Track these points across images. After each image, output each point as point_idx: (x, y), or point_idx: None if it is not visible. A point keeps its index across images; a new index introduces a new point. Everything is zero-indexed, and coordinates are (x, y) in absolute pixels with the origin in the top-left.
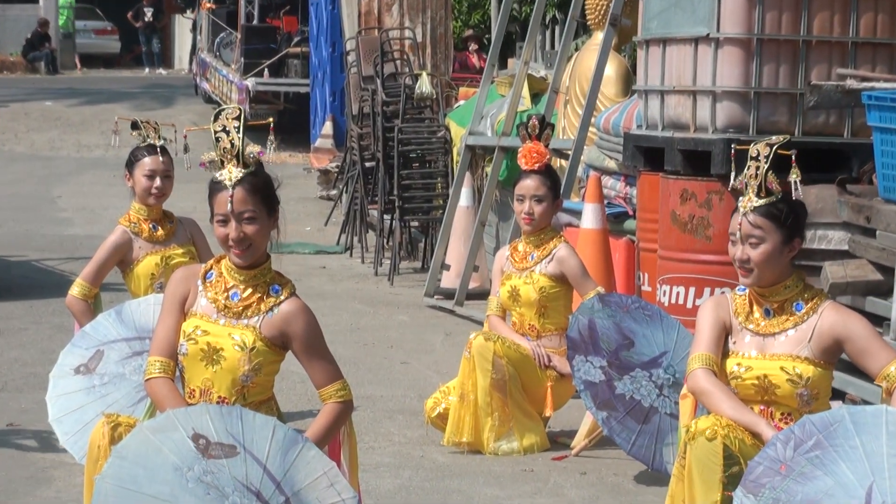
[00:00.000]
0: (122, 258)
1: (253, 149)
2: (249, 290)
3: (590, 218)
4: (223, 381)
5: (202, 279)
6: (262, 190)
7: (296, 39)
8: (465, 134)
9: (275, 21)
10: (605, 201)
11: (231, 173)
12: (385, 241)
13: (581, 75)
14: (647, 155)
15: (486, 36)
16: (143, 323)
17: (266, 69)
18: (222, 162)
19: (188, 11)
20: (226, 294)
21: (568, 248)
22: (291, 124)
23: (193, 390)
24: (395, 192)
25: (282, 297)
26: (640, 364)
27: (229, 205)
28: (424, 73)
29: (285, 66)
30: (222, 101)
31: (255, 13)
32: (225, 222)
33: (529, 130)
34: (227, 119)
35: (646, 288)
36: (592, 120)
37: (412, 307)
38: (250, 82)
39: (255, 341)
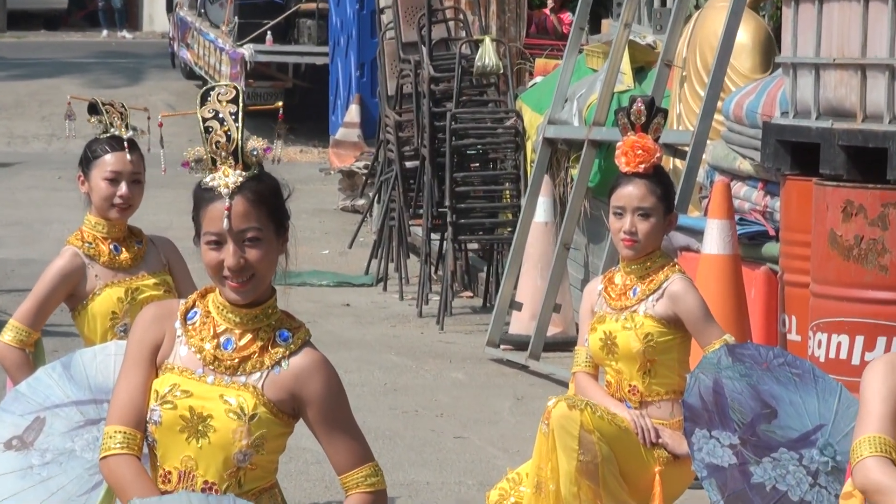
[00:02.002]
0: (73, 291)
1: (257, 144)
2: (248, 337)
3: (715, 240)
4: (211, 461)
5: (182, 320)
6: (268, 200)
7: None
8: (544, 123)
9: None
10: (737, 217)
11: (227, 177)
12: (433, 269)
13: (703, 43)
14: (795, 153)
15: None
16: (99, 381)
17: (268, 33)
18: (214, 162)
19: None
20: (215, 341)
21: (684, 280)
22: (303, 108)
23: (169, 473)
24: (447, 203)
25: (292, 347)
26: (785, 442)
27: (226, 221)
28: (488, 39)
29: (294, 28)
30: (209, 76)
31: None
32: (219, 244)
33: (632, 118)
34: (219, 102)
35: (793, 337)
36: (719, 105)
37: (470, 361)
38: (247, 51)
39: (256, 406)
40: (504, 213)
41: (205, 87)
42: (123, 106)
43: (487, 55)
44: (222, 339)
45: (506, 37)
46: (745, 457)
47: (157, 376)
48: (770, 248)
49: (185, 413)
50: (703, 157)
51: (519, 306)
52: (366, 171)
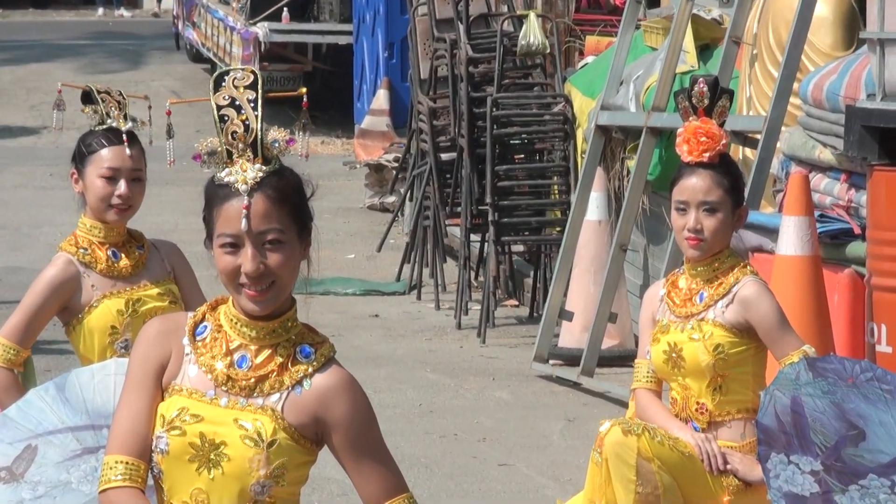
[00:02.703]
0: (66, 304)
1: (278, 135)
2: (266, 353)
3: (792, 239)
4: (225, 494)
5: (190, 336)
6: (291, 199)
7: None
8: (596, 108)
9: None
10: (817, 213)
11: (246, 172)
12: (472, 275)
13: (777, 16)
14: (883, 140)
15: None
16: (97, 404)
17: (285, 9)
18: (230, 154)
19: None
20: (229, 359)
21: (758, 283)
22: (324, 94)
23: None
24: (488, 200)
25: (315, 364)
26: (875, 468)
27: (244, 221)
28: (532, 15)
29: (314, 4)
30: (218, 58)
31: None
32: (235, 248)
33: (694, 101)
34: (235, 87)
35: (883, 348)
36: (795, 86)
37: (515, 378)
38: (261, 30)
39: (275, 431)
40: (552, 211)
41: (218, 71)
42: (122, 94)
43: (532, 33)
44: (236, 356)
45: (553, 12)
46: (828, 484)
47: (162, 399)
48: (855, 248)
49: (195, 440)
50: (778, 145)
51: (570, 316)
52: (396, 165)
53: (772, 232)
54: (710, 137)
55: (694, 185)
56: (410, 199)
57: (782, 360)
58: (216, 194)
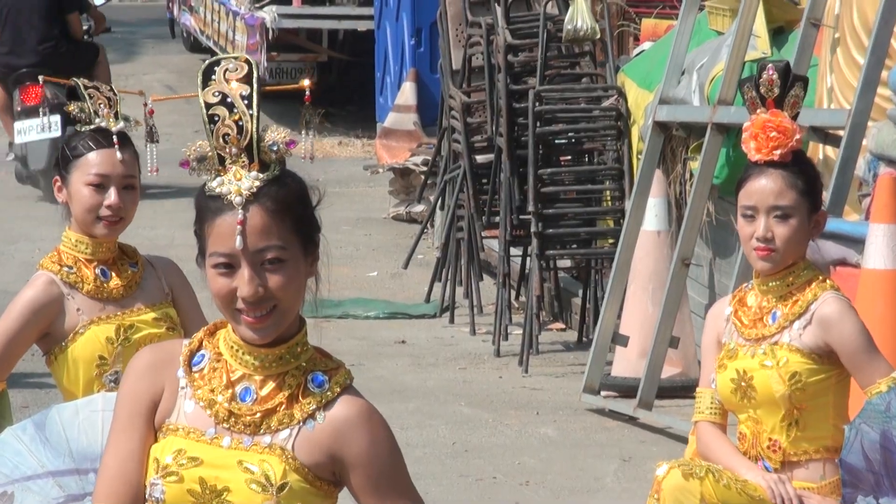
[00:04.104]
0: (47, 330)
1: (277, 136)
2: (272, 385)
3: (880, 250)
4: None
5: (186, 367)
6: (294, 210)
7: None
8: (654, 102)
9: None
10: None
11: (240, 181)
12: (513, 295)
13: None
14: None
15: None
16: (82, 444)
17: None
18: (222, 161)
19: None
20: (230, 392)
21: (840, 300)
22: (342, 88)
23: None
24: (531, 208)
25: (329, 395)
26: None
27: (239, 238)
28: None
29: None
30: (219, 47)
31: None
32: (230, 268)
33: (763, 91)
34: (226, 81)
35: None
36: (883, 75)
37: (563, 412)
38: (269, 14)
39: (285, 474)
40: (604, 221)
41: (208, 62)
42: (112, 89)
43: (580, 15)
44: (238, 388)
45: None
46: None
47: (156, 440)
48: None
49: (194, 486)
50: (864, 143)
51: (625, 341)
52: (425, 169)
53: (857, 242)
54: (781, 132)
55: (763, 188)
56: (441, 208)
57: (868, 389)
58: (207, 207)
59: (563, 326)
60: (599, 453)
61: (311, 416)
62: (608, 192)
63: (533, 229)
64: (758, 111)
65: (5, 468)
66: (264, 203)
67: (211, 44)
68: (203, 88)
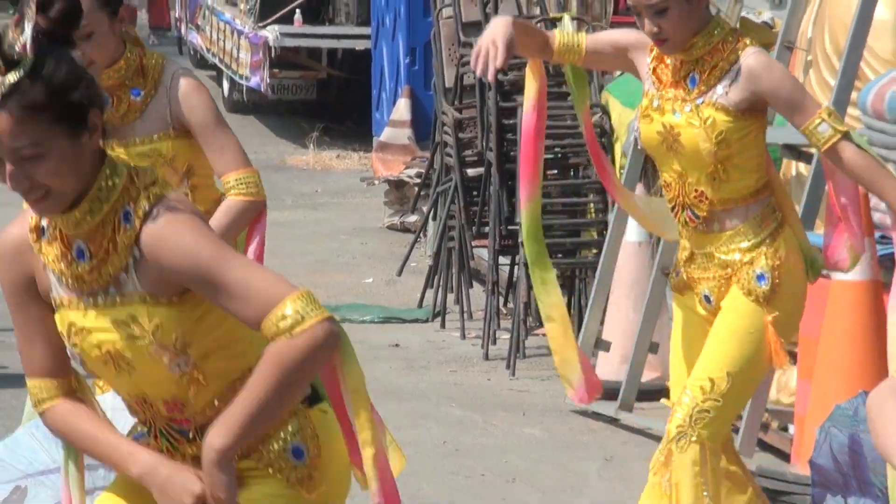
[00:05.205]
0: None
1: (14, 35)
2: (96, 237)
3: None
4: (154, 386)
5: (35, 244)
6: (49, 106)
7: None
8: (636, 120)
9: None
10: (877, 234)
11: None
12: (501, 301)
13: (834, 20)
14: None
15: None
16: None
17: (297, 11)
18: None
19: None
20: (69, 256)
21: (761, 52)
22: (340, 104)
23: (129, 404)
24: (519, 220)
25: (137, 227)
26: None
27: None
28: (567, 18)
29: (329, 5)
30: (224, 64)
31: None
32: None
33: None
34: None
35: None
36: (853, 96)
37: (548, 413)
38: (271, 33)
39: (150, 314)
40: (588, 232)
41: None
42: None
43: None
44: (74, 250)
45: (589, 14)
46: None
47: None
48: None
49: (97, 354)
50: None
51: (607, 346)
52: (418, 181)
53: None
54: None
55: None
56: (434, 219)
57: (805, 125)
58: None
59: None
60: (583, 453)
61: (132, 253)
62: (592, 205)
63: (520, 239)
64: None
65: (20, 464)
66: (10, 107)
67: (216, 61)
68: None
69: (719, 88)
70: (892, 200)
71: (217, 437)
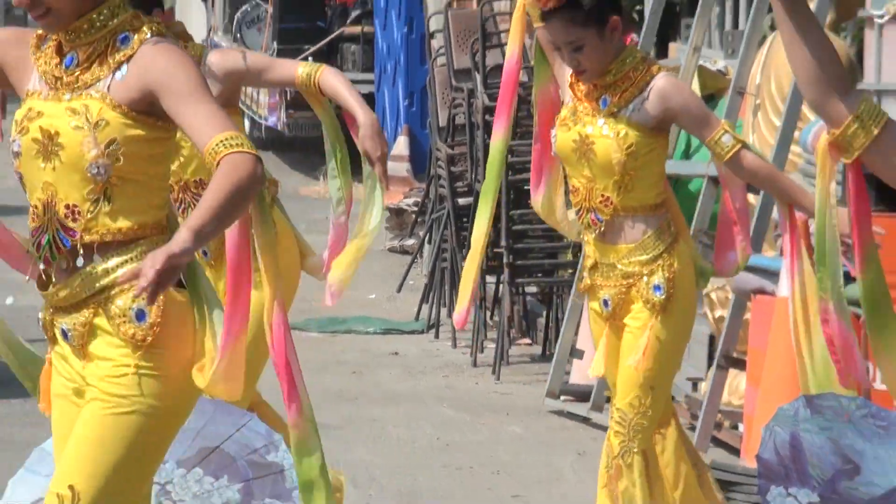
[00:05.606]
0: None
1: None
2: (89, 50)
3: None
4: (68, 182)
5: (35, 49)
6: None
7: (354, 14)
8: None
9: None
10: None
11: None
12: (488, 314)
13: (779, 68)
14: (880, 188)
15: (637, 7)
16: None
17: (310, 59)
18: None
19: None
20: (57, 59)
21: (670, 75)
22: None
23: (36, 206)
24: (503, 243)
25: (133, 48)
26: (869, 500)
27: None
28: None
29: (338, 53)
30: (245, 105)
31: None
32: None
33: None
34: None
35: (880, 386)
36: (795, 135)
37: (529, 413)
38: None
39: (102, 112)
40: (564, 254)
41: None
42: None
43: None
44: (66, 57)
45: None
46: None
47: (20, 107)
48: (853, 290)
49: (36, 135)
50: None
51: (580, 354)
52: (416, 209)
53: (773, 275)
54: None
55: (555, 30)
56: (429, 242)
57: (710, 139)
58: None
59: (530, 342)
60: (559, 449)
61: (118, 67)
62: None
63: (505, 260)
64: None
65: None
66: None
67: (239, 104)
68: None
69: (631, 107)
70: (791, 197)
71: (181, 231)
